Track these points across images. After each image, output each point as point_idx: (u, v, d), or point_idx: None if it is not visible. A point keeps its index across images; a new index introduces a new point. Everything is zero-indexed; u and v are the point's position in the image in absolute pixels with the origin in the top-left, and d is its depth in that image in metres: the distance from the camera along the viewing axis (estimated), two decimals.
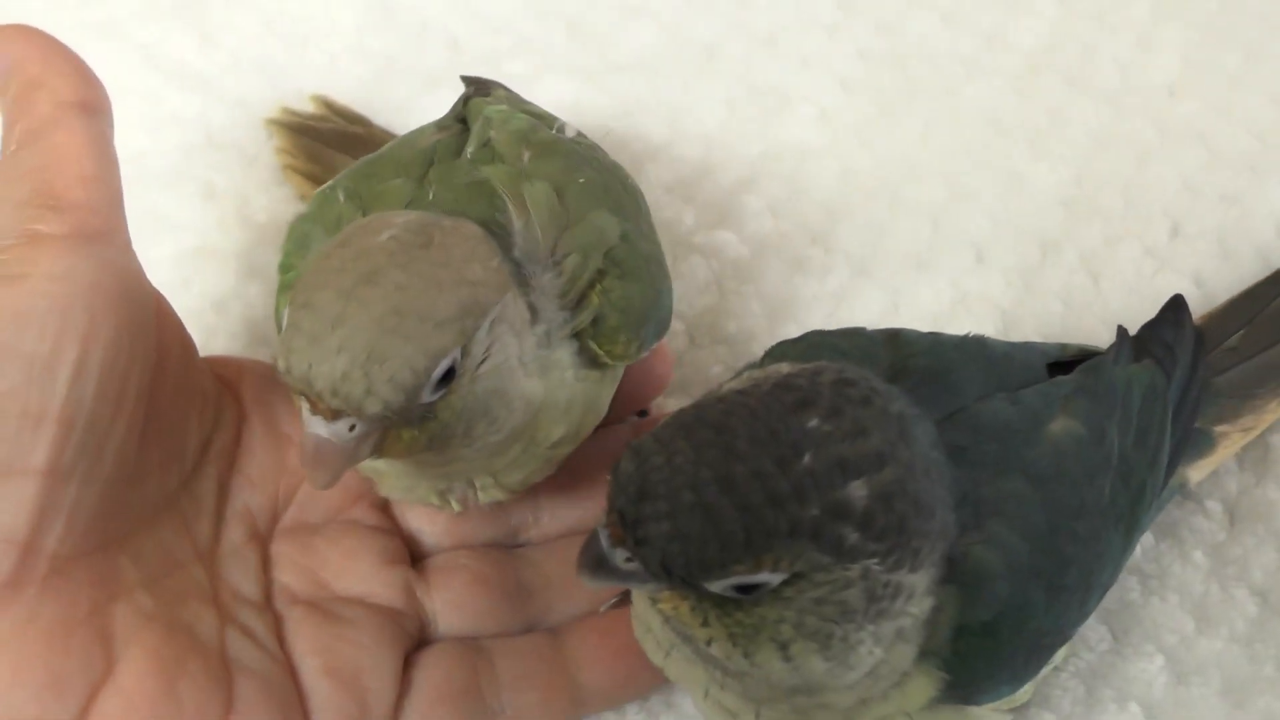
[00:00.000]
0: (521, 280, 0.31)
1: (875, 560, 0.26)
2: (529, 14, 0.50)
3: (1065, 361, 0.34)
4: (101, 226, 0.32)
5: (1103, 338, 0.40)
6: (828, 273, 0.44)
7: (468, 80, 0.39)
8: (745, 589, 0.27)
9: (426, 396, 0.29)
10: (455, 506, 0.34)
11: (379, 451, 0.29)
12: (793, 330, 0.42)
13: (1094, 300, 0.43)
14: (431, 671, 0.34)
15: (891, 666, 0.29)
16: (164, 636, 0.30)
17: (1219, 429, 0.37)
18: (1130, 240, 0.44)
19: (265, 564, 0.34)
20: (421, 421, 0.30)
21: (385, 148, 0.36)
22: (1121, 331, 0.35)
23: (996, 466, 0.30)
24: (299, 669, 0.32)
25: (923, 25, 0.49)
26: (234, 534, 0.34)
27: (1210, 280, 0.43)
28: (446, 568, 0.35)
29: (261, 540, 0.34)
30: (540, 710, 0.34)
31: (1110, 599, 0.36)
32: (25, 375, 0.29)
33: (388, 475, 0.34)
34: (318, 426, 0.29)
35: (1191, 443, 0.37)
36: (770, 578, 0.26)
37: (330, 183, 0.35)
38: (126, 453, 0.31)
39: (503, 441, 0.32)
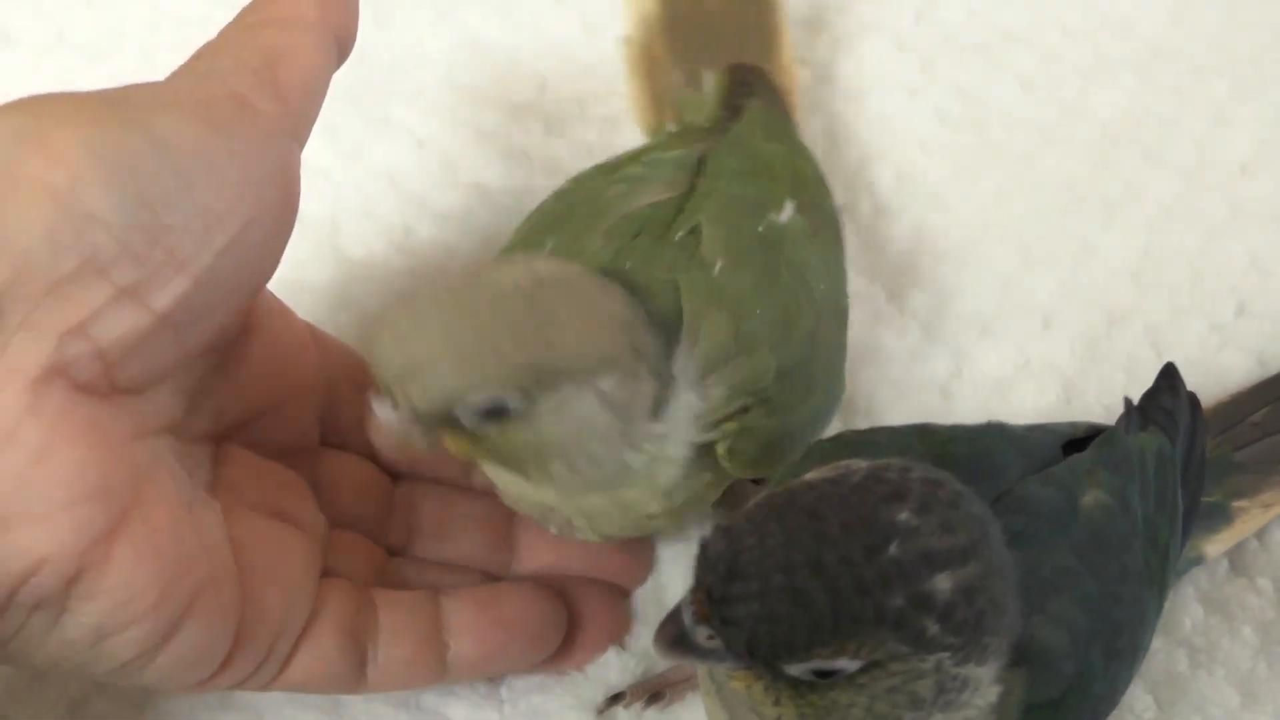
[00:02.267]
0: (662, 379, 0.33)
1: (949, 654, 0.27)
2: None
3: (1077, 439, 0.34)
4: (299, 136, 0.33)
5: None
6: (903, 332, 0.45)
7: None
8: (823, 674, 0.27)
9: (468, 421, 0.31)
10: (553, 530, 0.36)
11: (437, 445, 0.32)
12: (874, 381, 0.43)
13: (1156, 372, 0.43)
14: (333, 604, 0.35)
15: None
16: (177, 481, 0.32)
17: (1237, 504, 0.38)
18: (1196, 315, 0.45)
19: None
20: (473, 438, 0.32)
21: (609, 191, 0.37)
22: (1128, 402, 0.35)
23: (1047, 546, 0.30)
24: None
25: (1003, 92, 0.50)
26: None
27: (1273, 359, 0.43)
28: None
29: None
30: (406, 667, 0.35)
31: (1158, 670, 0.37)
32: (187, 221, 0.29)
33: (500, 480, 0.36)
34: (377, 402, 0.32)
35: (1207, 515, 0.37)
36: (849, 664, 0.27)
37: (534, 224, 0.37)
38: (217, 337, 0.33)
39: (588, 490, 0.33)
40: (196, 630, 0.31)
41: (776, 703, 0.28)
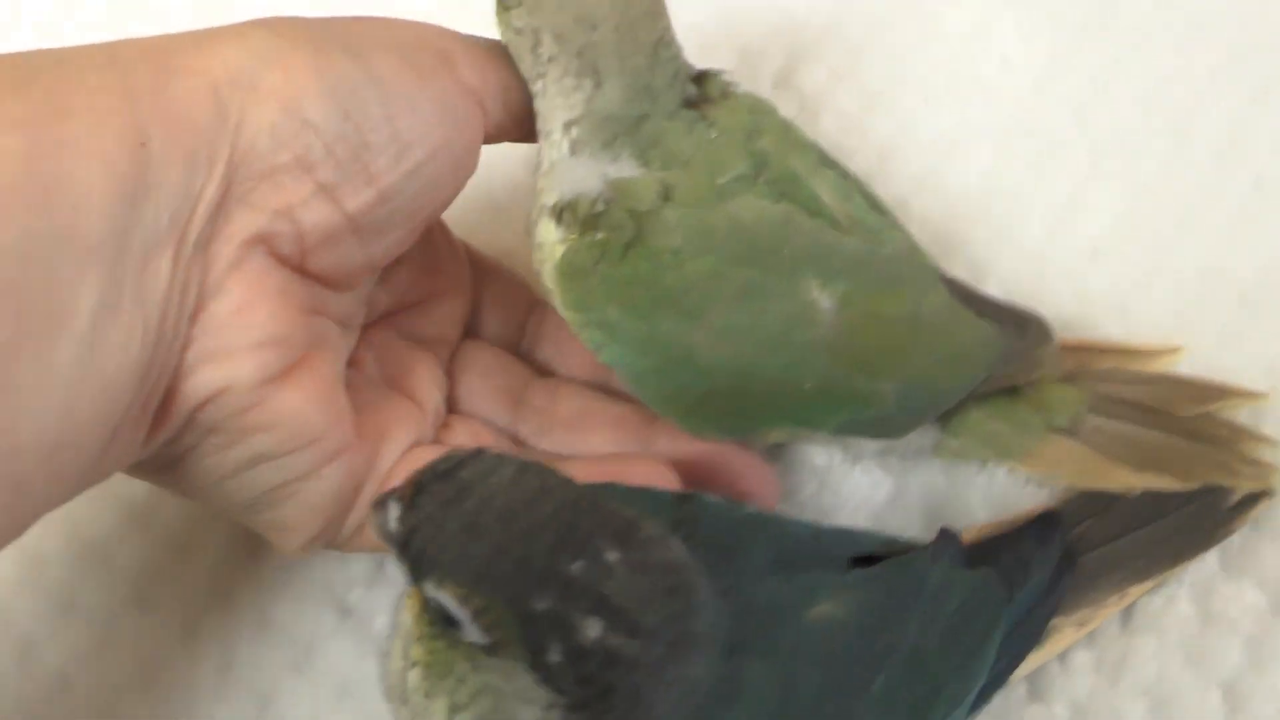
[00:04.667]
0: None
1: (564, 701, 0.26)
2: None
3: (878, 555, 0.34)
4: (486, 108, 0.38)
5: None
6: None
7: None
8: (450, 621, 0.28)
9: None
10: None
11: None
12: None
13: None
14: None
15: None
16: (337, 354, 0.38)
17: (1050, 621, 0.37)
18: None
19: None
20: None
21: None
22: (944, 533, 0.34)
23: (751, 648, 0.30)
24: None
25: None
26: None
27: None
28: None
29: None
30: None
31: None
32: (384, 143, 0.35)
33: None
34: None
35: None
36: (467, 622, 0.27)
37: None
38: (395, 249, 0.38)
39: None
40: (332, 479, 0.36)
41: (418, 640, 0.29)
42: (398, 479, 0.36)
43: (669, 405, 0.38)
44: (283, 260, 0.35)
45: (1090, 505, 0.41)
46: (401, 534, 0.28)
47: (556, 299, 0.38)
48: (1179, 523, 0.41)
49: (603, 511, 0.28)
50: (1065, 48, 0.50)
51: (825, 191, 0.39)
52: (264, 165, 0.34)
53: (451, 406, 0.41)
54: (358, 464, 0.37)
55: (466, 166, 0.38)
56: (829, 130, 0.49)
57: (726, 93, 0.39)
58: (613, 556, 0.27)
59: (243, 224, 0.34)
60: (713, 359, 0.37)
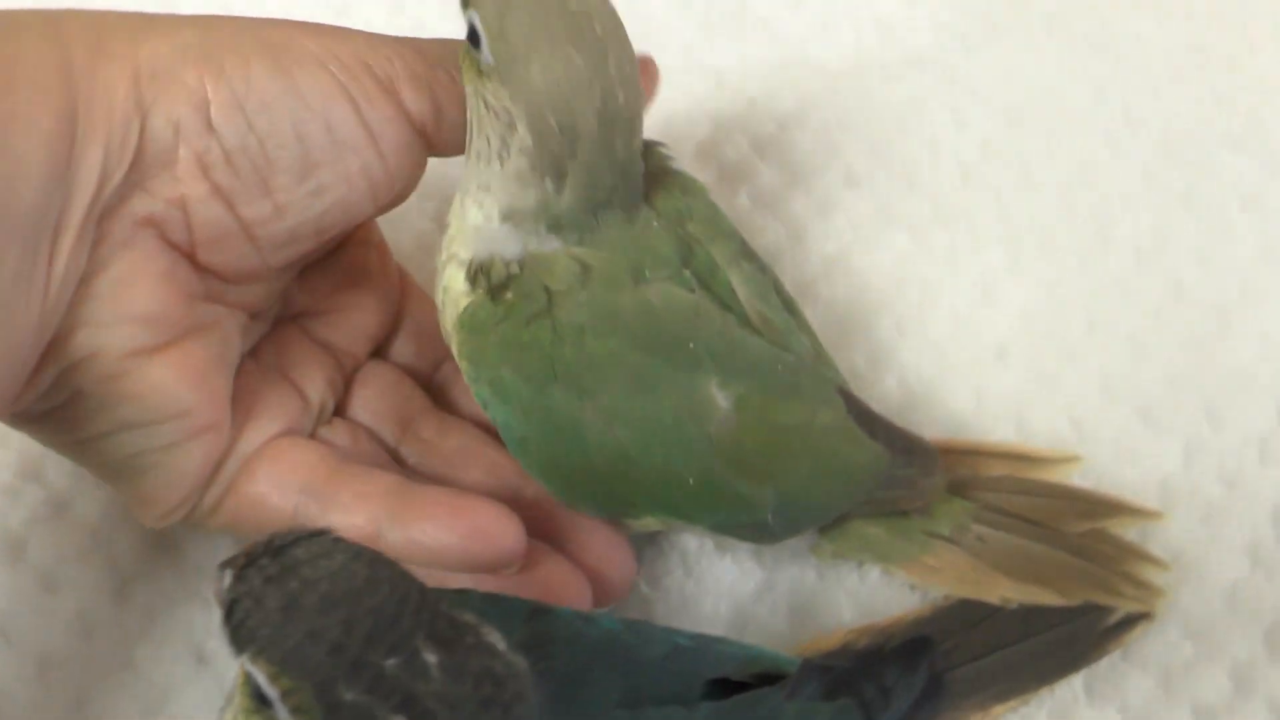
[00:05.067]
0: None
1: None
2: None
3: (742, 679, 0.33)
4: (434, 146, 0.38)
5: None
6: None
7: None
8: (263, 700, 0.28)
9: None
10: None
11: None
12: None
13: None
14: (296, 456, 0.38)
15: None
16: (227, 343, 0.38)
17: None
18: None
19: None
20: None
21: None
22: (805, 666, 0.34)
23: None
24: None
25: None
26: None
27: None
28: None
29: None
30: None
31: None
32: (289, 163, 0.35)
33: None
34: None
35: None
36: (276, 701, 0.27)
37: None
38: (298, 260, 0.38)
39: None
40: (194, 453, 0.37)
41: (241, 711, 0.29)
42: (264, 462, 0.38)
43: (546, 474, 0.38)
44: (173, 246, 0.36)
45: (965, 615, 0.40)
46: (226, 603, 0.28)
47: (454, 347, 0.38)
48: (1053, 640, 0.40)
49: (433, 611, 0.28)
50: (997, 133, 0.49)
51: (741, 285, 0.38)
52: (165, 157, 0.35)
53: (342, 414, 0.42)
54: (220, 441, 0.37)
55: (391, 191, 0.38)
56: (744, 205, 0.48)
57: (665, 169, 0.39)
58: (431, 658, 0.27)
59: (138, 206, 0.35)
60: (599, 439, 0.37)
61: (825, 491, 0.39)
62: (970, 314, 0.46)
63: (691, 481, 0.37)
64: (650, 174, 0.38)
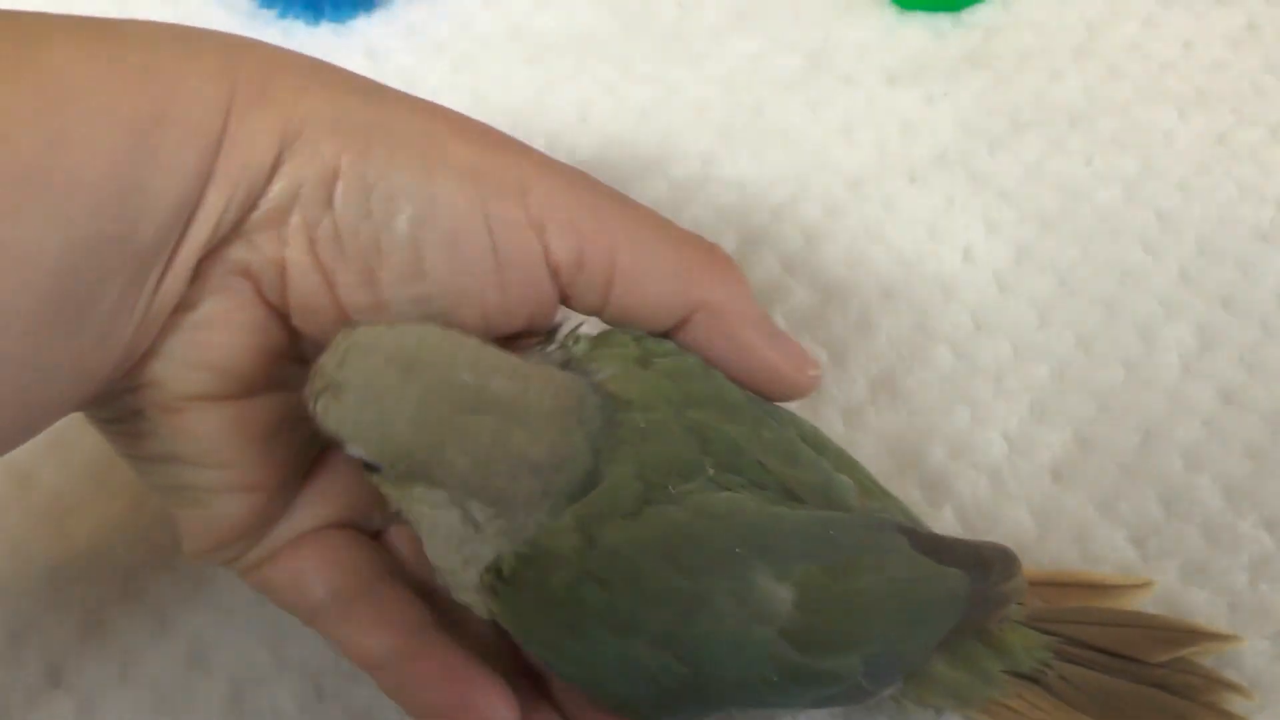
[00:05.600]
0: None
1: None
2: None
3: None
4: (550, 252, 0.35)
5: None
6: None
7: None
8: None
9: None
10: None
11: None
12: None
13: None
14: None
15: None
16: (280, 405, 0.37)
17: None
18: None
19: None
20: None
21: None
22: None
23: None
24: None
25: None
26: None
27: None
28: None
29: None
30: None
31: None
32: (397, 258, 0.34)
33: None
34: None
35: None
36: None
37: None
38: None
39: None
40: (233, 507, 0.36)
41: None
42: (313, 546, 0.38)
43: (621, 709, 0.37)
44: (267, 302, 0.35)
45: None
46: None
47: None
48: None
49: None
50: (1030, 238, 0.48)
51: (767, 456, 0.37)
52: (278, 216, 0.34)
53: None
54: (265, 505, 0.37)
55: (509, 326, 0.36)
56: (781, 327, 0.46)
57: (646, 360, 0.37)
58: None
59: (237, 254, 0.34)
60: (661, 670, 0.35)
61: (913, 636, 0.38)
62: (1021, 433, 0.45)
63: (775, 679, 0.36)
64: (627, 374, 0.37)
